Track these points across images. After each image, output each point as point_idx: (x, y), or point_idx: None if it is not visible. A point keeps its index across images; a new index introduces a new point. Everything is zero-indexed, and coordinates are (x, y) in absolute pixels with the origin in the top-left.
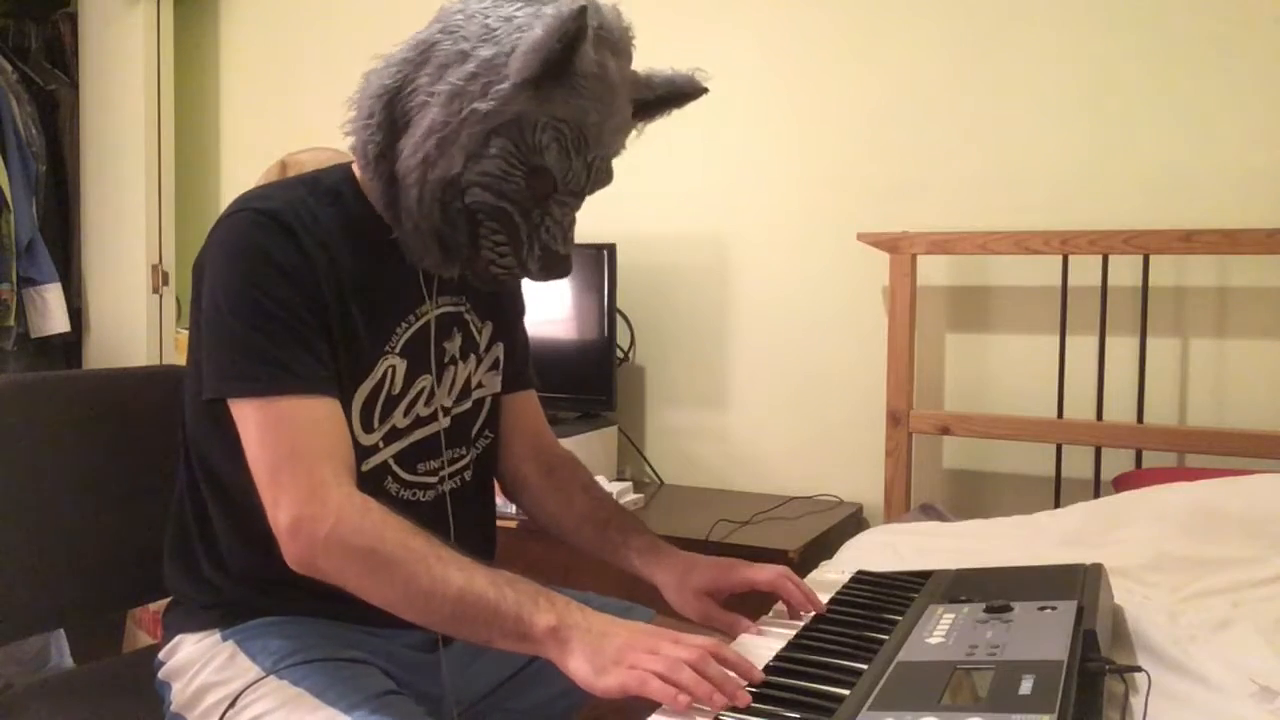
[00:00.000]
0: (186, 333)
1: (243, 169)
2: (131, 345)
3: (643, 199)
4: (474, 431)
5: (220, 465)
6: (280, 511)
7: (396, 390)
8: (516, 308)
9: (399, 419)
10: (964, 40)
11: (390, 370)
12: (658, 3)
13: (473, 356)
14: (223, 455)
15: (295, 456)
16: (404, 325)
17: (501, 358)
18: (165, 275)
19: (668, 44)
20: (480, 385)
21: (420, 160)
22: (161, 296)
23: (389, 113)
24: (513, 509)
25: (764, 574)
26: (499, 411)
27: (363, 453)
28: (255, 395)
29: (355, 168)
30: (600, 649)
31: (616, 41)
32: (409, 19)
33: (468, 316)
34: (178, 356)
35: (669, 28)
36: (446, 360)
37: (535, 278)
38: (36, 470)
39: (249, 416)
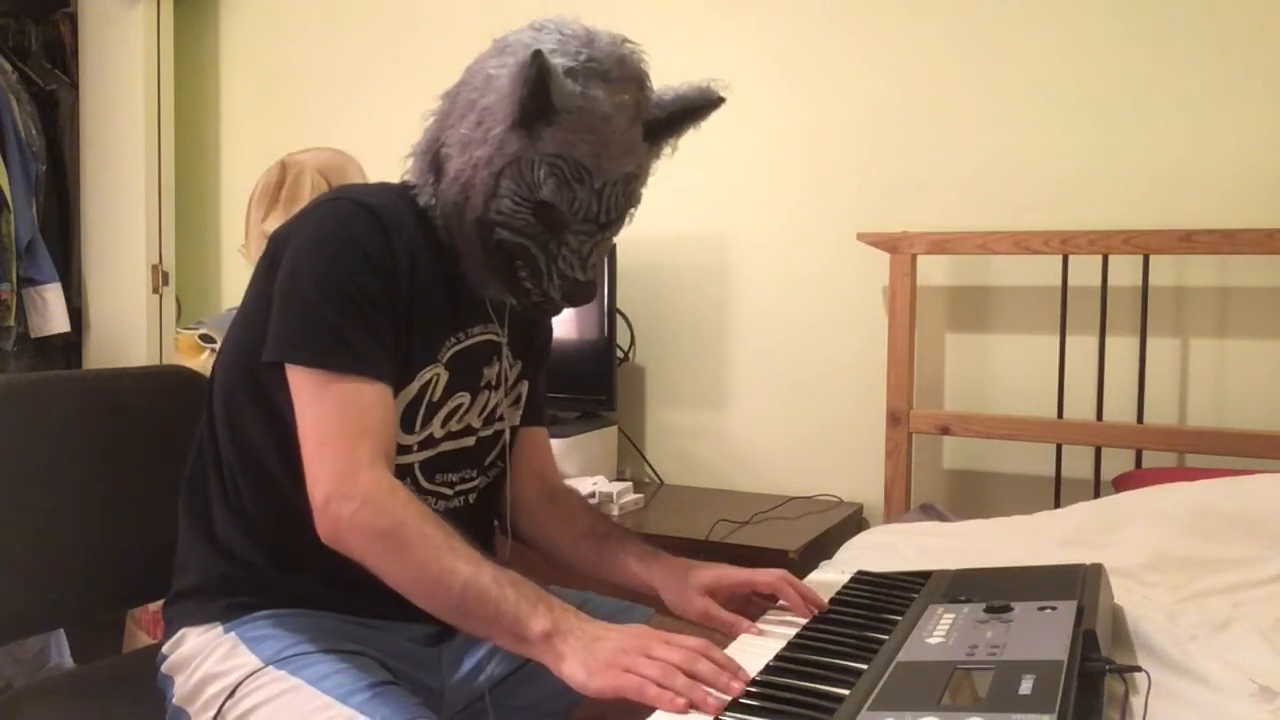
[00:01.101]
0: (188, 332)
1: (243, 169)
2: (131, 345)
3: (643, 198)
4: (489, 459)
5: (252, 430)
6: (317, 486)
7: (436, 398)
8: (544, 354)
9: (436, 428)
10: (964, 40)
11: (435, 378)
12: (659, 3)
13: (501, 388)
14: (256, 421)
15: (340, 434)
16: (452, 340)
17: (524, 395)
18: (165, 275)
19: (669, 45)
20: (502, 417)
21: (453, 205)
22: (161, 296)
23: (435, 163)
24: None
25: (764, 576)
26: (512, 446)
27: (397, 451)
28: (317, 367)
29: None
30: (593, 652)
31: (608, 70)
32: (408, 20)
33: (504, 350)
34: (178, 356)
35: (670, 28)
36: (482, 384)
37: (560, 305)
38: (36, 470)
39: (305, 386)
